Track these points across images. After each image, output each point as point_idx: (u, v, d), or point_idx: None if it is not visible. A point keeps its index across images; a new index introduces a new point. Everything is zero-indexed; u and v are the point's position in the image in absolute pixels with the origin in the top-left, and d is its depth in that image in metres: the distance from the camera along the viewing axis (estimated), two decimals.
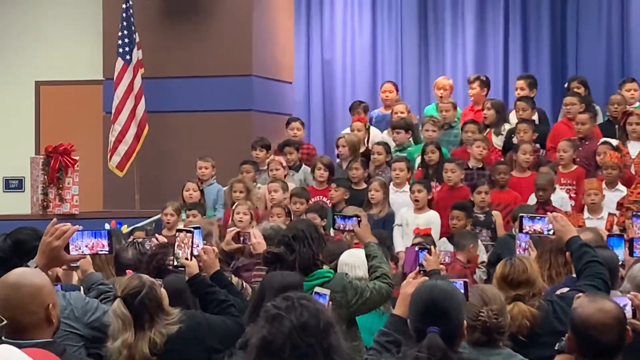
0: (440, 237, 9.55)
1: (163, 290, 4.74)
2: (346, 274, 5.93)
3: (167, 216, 10.17)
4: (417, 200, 9.75)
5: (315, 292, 4.98)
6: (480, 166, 10.53)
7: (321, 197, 10.44)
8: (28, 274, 3.68)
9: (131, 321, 4.57)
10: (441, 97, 12.15)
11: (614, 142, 10.43)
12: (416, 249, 5.51)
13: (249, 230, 7.39)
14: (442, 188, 10.26)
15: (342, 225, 6.15)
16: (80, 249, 4.05)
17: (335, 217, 6.24)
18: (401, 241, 9.51)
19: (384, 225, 9.75)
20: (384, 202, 9.98)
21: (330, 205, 10.20)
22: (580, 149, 10.50)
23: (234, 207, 9.62)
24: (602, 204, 9.56)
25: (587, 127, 10.58)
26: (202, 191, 10.76)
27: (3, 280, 3.65)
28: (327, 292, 5.00)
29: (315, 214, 9.17)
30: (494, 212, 9.76)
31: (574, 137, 10.61)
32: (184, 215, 10.24)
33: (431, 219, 9.68)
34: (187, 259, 5.28)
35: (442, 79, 12.53)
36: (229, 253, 6.57)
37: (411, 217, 9.76)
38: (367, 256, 5.93)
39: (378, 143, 11.14)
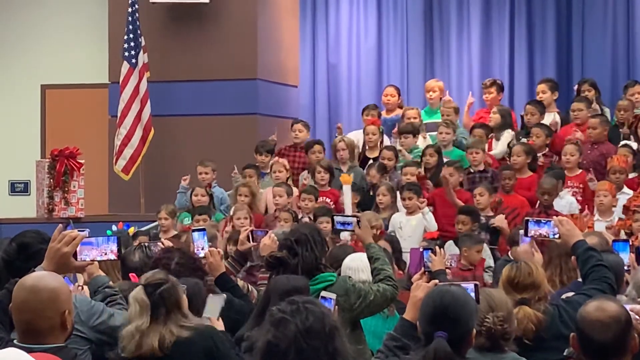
0: (437, 237, 9.59)
1: (185, 296, 4.76)
2: (349, 277, 5.92)
3: (161, 220, 10.26)
4: (408, 207, 9.83)
5: (322, 297, 4.98)
6: (482, 169, 10.52)
7: (324, 198, 10.44)
8: (47, 278, 3.65)
9: (149, 308, 4.60)
10: (431, 99, 12.15)
11: (634, 145, 10.45)
12: (421, 249, 5.52)
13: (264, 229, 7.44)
14: (440, 188, 10.26)
15: (341, 228, 6.17)
16: (88, 255, 4.04)
17: (335, 219, 6.23)
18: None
19: None
20: (392, 207, 9.99)
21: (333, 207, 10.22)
22: (589, 152, 10.50)
23: (232, 212, 9.65)
24: (613, 209, 9.56)
25: (597, 132, 10.57)
26: (210, 195, 10.80)
27: (21, 283, 3.64)
28: (333, 296, 5.00)
29: (328, 218, 9.14)
30: (497, 217, 9.68)
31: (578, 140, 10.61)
32: (188, 220, 10.29)
33: (422, 219, 9.76)
34: None
35: (432, 82, 12.52)
36: (243, 254, 6.58)
37: (404, 220, 9.81)
38: (370, 258, 5.91)
39: (387, 148, 11.11)
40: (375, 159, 11.07)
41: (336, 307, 4.98)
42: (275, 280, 5.32)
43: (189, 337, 4.64)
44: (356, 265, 6.17)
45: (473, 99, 12.30)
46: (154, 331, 4.60)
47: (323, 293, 5.08)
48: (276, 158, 11.20)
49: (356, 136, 11.72)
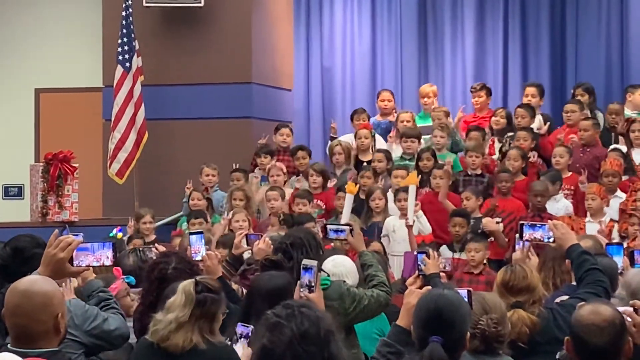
0: (431, 241, 9.58)
1: (222, 319, 4.75)
2: (344, 281, 5.92)
3: (146, 224, 10.31)
4: (403, 209, 9.78)
5: (303, 266, 4.95)
6: (479, 173, 10.52)
7: (317, 201, 10.44)
8: (39, 283, 3.66)
9: (193, 302, 4.57)
10: (425, 104, 12.14)
11: (624, 148, 10.46)
12: (415, 252, 5.53)
13: (257, 233, 7.44)
14: (428, 193, 10.25)
15: (334, 236, 6.18)
16: (84, 260, 4.03)
17: (327, 227, 6.25)
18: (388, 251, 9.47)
19: None
20: (386, 211, 9.99)
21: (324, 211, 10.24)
22: (582, 155, 10.51)
23: (230, 214, 9.65)
24: (605, 209, 9.57)
25: (590, 134, 10.59)
26: (208, 199, 10.78)
27: (14, 288, 3.64)
28: (314, 263, 4.97)
29: (313, 223, 9.16)
30: (484, 220, 9.66)
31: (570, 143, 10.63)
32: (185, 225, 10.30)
33: (416, 222, 9.73)
34: None
35: (426, 87, 12.50)
36: (238, 258, 6.58)
37: (398, 223, 9.75)
38: (363, 265, 5.96)
39: (379, 150, 11.10)
40: (369, 162, 11.07)
41: (318, 274, 4.96)
42: (257, 280, 5.30)
43: (204, 350, 4.60)
44: (339, 272, 6.14)
45: (463, 113, 12.23)
46: (184, 329, 4.58)
47: (304, 262, 5.03)
48: (273, 162, 11.18)
49: (346, 140, 11.68)
